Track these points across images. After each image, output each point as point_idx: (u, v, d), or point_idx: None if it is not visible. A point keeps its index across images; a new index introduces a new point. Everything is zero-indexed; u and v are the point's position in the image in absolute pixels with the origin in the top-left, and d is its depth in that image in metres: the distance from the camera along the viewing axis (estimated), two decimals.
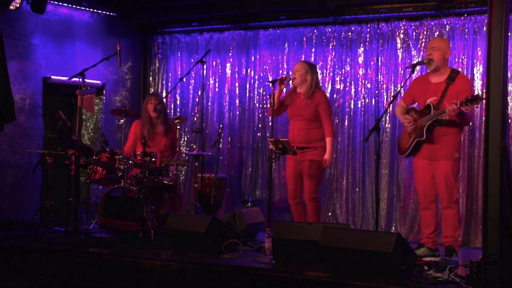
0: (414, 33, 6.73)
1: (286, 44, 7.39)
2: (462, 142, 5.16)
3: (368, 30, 6.96)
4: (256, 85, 7.54)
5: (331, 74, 7.12)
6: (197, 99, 7.77)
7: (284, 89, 5.83)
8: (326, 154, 5.63)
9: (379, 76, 6.91)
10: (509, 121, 5.96)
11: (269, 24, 7.43)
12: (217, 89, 7.73)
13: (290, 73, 5.82)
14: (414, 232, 6.51)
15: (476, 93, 5.12)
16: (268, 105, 7.31)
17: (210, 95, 7.74)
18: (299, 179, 5.81)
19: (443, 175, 4.95)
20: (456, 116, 4.79)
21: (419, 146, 5.05)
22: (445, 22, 6.59)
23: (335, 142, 7.00)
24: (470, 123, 5.26)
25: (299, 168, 5.75)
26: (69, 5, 7.24)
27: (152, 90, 8.05)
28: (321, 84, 6.35)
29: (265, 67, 7.51)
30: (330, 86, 7.11)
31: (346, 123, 7.02)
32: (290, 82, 5.81)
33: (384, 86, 6.88)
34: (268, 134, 7.34)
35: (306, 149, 5.65)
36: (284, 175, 7.24)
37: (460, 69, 6.19)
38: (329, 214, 6.98)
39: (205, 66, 6.65)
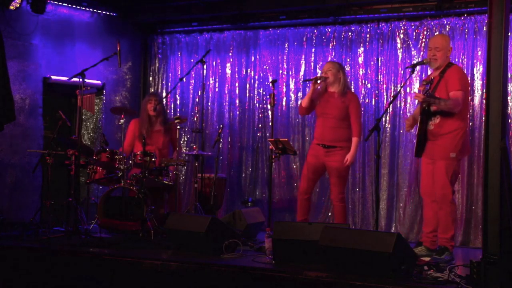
0: (414, 33, 6.73)
1: (286, 44, 7.39)
2: (462, 143, 5.10)
3: (368, 30, 6.96)
4: (256, 85, 7.54)
5: None
6: (197, 99, 7.77)
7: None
8: (349, 154, 5.55)
9: (379, 76, 6.91)
10: (509, 121, 5.96)
11: (269, 24, 7.43)
12: (217, 89, 7.73)
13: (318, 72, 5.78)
14: (414, 232, 6.50)
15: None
16: (268, 105, 7.32)
17: (210, 95, 7.74)
18: (317, 177, 5.77)
19: (438, 174, 4.98)
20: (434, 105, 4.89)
21: (424, 143, 5.08)
22: (445, 22, 6.59)
23: None
24: (465, 114, 5.19)
25: (323, 167, 5.71)
26: (69, 5, 7.24)
27: (152, 90, 8.04)
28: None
29: (265, 67, 7.50)
30: None
31: None
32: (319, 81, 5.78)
33: (384, 86, 6.88)
34: (268, 134, 7.34)
35: (333, 148, 5.60)
36: (284, 175, 7.25)
37: None
38: (329, 214, 6.97)
39: (205, 66, 6.65)
